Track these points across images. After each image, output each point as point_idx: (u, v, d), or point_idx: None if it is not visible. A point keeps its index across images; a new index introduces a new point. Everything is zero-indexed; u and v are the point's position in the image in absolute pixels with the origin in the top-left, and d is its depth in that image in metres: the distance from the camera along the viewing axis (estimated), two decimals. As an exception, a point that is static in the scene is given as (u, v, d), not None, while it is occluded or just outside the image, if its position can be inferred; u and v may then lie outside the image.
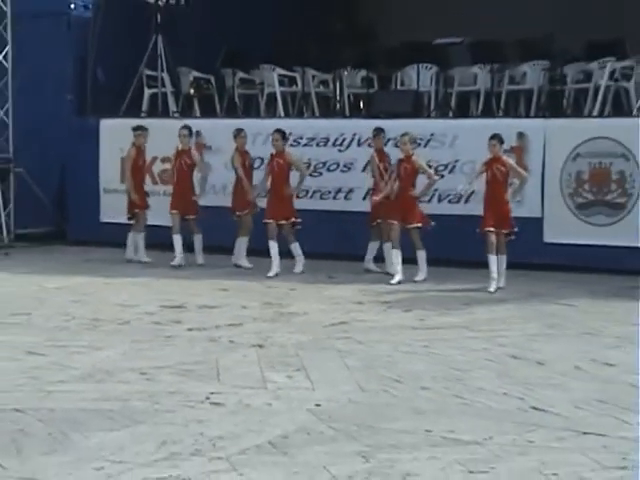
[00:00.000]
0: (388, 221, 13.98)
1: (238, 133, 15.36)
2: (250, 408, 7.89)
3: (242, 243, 15.22)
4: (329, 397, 8.18)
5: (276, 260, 14.47)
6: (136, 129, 16.07)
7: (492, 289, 13.05)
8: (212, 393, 8.27)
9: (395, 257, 13.82)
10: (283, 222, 14.56)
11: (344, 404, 8.02)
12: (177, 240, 15.24)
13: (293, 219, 14.60)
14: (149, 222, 16.09)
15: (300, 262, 14.66)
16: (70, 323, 11.26)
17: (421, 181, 14.12)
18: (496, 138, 13.34)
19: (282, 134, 14.82)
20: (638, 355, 9.38)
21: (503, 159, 13.38)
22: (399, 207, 13.90)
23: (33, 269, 14.63)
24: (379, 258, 14.66)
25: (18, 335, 10.62)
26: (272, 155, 14.80)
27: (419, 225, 13.87)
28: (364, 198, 15.48)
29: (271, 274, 14.29)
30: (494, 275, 13.11)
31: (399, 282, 13.63)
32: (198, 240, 15.39)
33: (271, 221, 14.56)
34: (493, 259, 13.16)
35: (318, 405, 7.94)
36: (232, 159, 15.38)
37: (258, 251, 15.11)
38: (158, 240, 15.97)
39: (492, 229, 13.18)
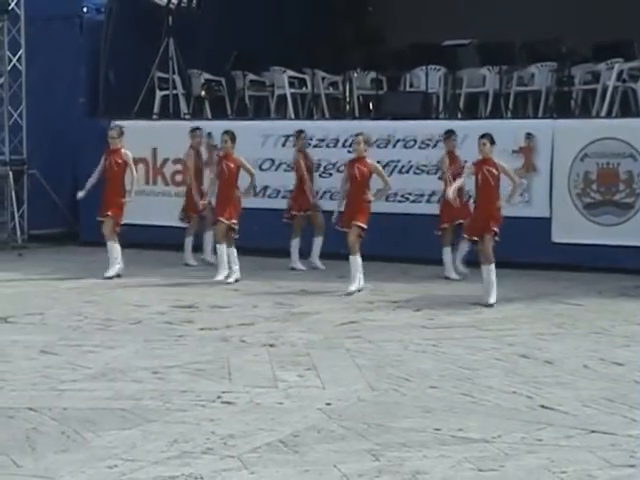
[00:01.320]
0: (343, 229, 13.12)
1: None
2: (261, 407, 7.89)
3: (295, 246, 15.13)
4: (339, 396, 8.18)
5: (223, 263, 13.82)
6: (192, 130, 15.85)
7: (492, 301, 12.11)
8: (223, 392, 8.28)
9: (355, 263, 13.01)
10: (222, 220, 13.79)
11: (354, 403, 8.02)
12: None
13: (234, 221, 13.77)
14: (163, 223, 16.11)
15: (235, 272, 13.83)
16: (83, 323, 11.28)
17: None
18: (486, 137, 12.29)
19: (232, 136, 14.07)
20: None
21: (494, 161, 12.23)
22: (350, 211, 13.11)
23: (46, 270, 14.65)
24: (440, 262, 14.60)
25: (32, 334, 10.65)
26: (220, 157, 14.19)
27: (362, 226, 12.95)
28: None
29: (220, 278, 13.75)
30: (493, 285, 12.14)
31: (359, 290, 12.97)
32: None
33: (224, 220, 13.80)
34: (492, 267, 12.15)
35: (328, 404, 7.95)
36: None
37: (270, 250, 15.16)
38: (174, 241, 16.00)
39: (477, 238, 12.26)
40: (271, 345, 10.08)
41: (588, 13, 18.07)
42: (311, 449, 6.83)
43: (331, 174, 16.05)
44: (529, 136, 15.11)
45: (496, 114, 16.61)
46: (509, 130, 14.87)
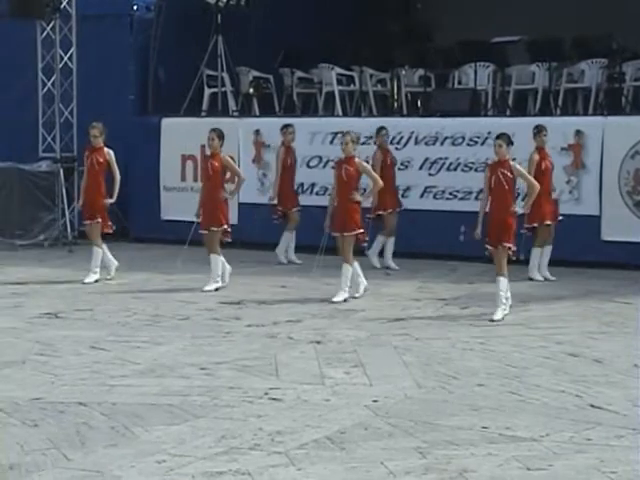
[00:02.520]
0: (332, 233, 12.60)
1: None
2: (308, 403, 7.91)
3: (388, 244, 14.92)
4: (386, 393, 8.19)
5: (218, 271, 13.18)
6: (283, 127, 15.56)
7: (497, 317, 11.16)
8: (271, 389, 8.31)
9: (345, 273, 12.38)
10: (214, 229, 13.11)
11: (401, 400, 8.02)
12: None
13: (225, 226, 13.20)
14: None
15: (216, 281, 13.18)
16: (132, 319, 11.36)
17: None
18: (502, 138, 11.50)
19: (219, 134, 13.27)
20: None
21: (510, 163, 11.44)
22: (339, 215, 12.46)
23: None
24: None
25: (82, 330, 10.74)
26: (206, 156, 13.55)
27: (357, 234, 12.36)
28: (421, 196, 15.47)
29: (210, 288, 13.04)
30: (502, 300, 11.29)
31: (345, 300, 12.29)
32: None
33: (206, 232, 13.18)
34: (500, 281, 11.31)
35: (375, 401, 7.95)
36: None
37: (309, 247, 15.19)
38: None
39: (490, 247, 11.34)
40: (318, 342, 10.10)
41: (639, 8, 17.90)
42: (358, 446, 6.84)
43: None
44: (578, 133, 15.03)
45: (545, 111, 16.53)
46: (558, 127, 14.79)
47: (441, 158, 15.83)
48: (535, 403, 7.94)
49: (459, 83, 17.59)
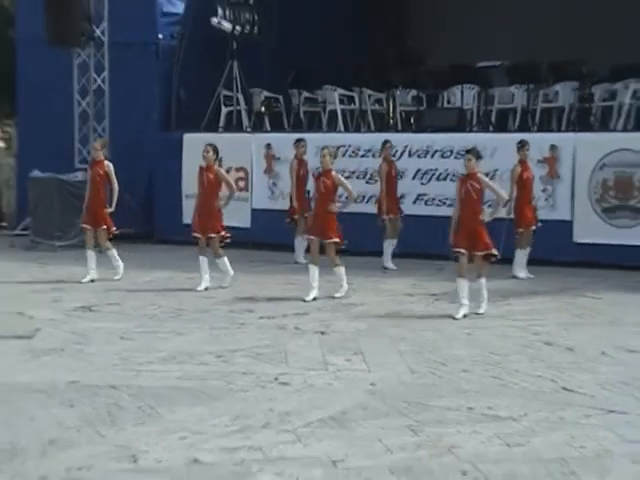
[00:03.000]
0: (307, 237, 12.50)
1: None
2: (313, 387, 7.91)
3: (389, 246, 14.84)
4: (383, 378, 8.19)
5: (206, 274, 12.88)
6: (296, 141, 15.43)
7: (458, 316, 10.80)
8: (280, 374, 8.30)
9: (313, 273, 12.08)
10: (212, 236, 12.84)
11: (396, 384, 8.02)
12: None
13: (223, 232, 12.94)
14: (226, 223, 16.15)
15: (228, 276, 13.04)
16: (157, 312, 11.36)
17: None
18: (472, 152, 11.12)
19: (214, 148, 12.97)
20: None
21: (478, 175, 11.02)
22: (318, 222, 12.24)
23: (125, 265, 14.73)
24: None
25: (113, 322, 10.74)
26: (202, 168, 13.04)
27: (336, 240, 12.14)
28: (414, 203, 15.47)
29: (200, 288, 12.77)
30: (463, 301, 10.90)
31: (314, 299, 11.98)
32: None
33: (200, 236, 12.89)
34: (461, 283, 10.94)
35: (373, 385, 7.95)
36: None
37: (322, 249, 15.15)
38: (235, 239, 16.03)
39: (462, 250, 10.92)
40: (322, 332, 10.10)
41: (607, 38, 17.95)
42: (358, 425, 6.84)
43: (376, 181, 16.04)
44: (553, 147, 15.06)
45: (524, 128, 16.54)
46: (535, 142, 14.77)
47: (431, 169, 15.86)
48: (514, 387, 7.94)
49: (448, 102, 17.60)
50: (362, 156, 16.53)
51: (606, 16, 18.67)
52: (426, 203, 15.65)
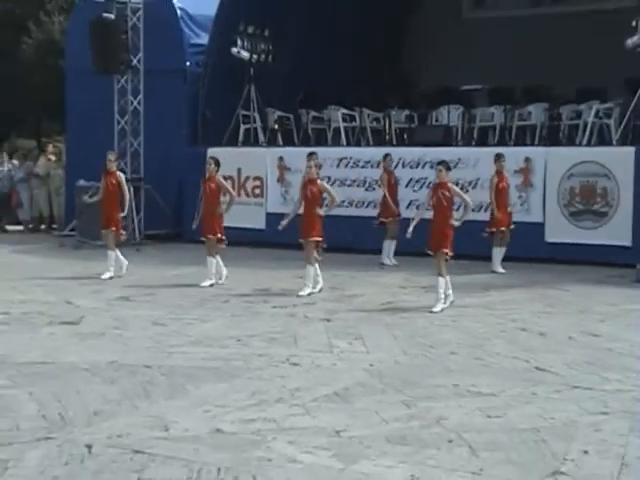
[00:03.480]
0: (300, 240, 11.91)
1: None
2: (320, 367, 7.92)
3: (389, 245, 14.61)
4: (380, 359, 8.19)
5: (212, 273, 12.60)
6: (309, 155, 14.69)
7: (436, 309, 10.52)
8: (291, 355, 8.31)
9: (310, 271, 11.79)
10: (210, 237, 12.58)
11: (391, 364, 8.03)
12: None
13: (219, 235, 12.59)
14: (244, 225, 16.18)
15: (210, 280, 12.55)
16: (184, 301, 11.36)
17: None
18: (442, 164, 10.95)
19: (216, 161, 12.77)
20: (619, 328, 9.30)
21: (448, 185, 10.80)
22: (305, 225, 11.86)
23: (157, 261, 14.78)
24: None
25: (146, 310, 10.76)
26: (205, 178, 12.81)
27: (318, 239, 11.79)
28: (407, 207, 15.44)
29: (206, 284, 12.45)
30: (440, 296, 10.65)
31: (309, 294, 11.66)
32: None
33: (205, 238, 12.67)
34: (439, 281, 10.70)
35: (372, 365, 7.96)
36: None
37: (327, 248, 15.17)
38: (251, 239, 16.07)
39: (431, 252, 10.78)
40: (328, 320, 10.10)
41: (573, 65, 17.94)
42: (358, 400, 6.85)
43: (374, 188, 16.04)
44: (527, 159, 15.06)
45: (502, 142, 16.53)
46: (511, 155, 14.79)
47: (422, 178, 15.82)
48: (494, 366, 7.94)
49: (436, 120, 17.58)
50: (362, 167, 16.53)
51: (572, 46, 18.66)
52: (417, 208, 15.57)
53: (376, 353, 8.46)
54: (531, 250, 14.54)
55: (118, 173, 13.81)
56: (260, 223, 17.08)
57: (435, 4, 21.39)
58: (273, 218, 16.59)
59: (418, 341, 8.98)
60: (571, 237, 14.54)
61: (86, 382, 7.37)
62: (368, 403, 6.75)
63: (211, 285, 12.46)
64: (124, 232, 13.78)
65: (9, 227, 21.52)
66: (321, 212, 11.96)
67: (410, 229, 10.78)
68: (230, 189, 13.12)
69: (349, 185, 16.57)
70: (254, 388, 7.16)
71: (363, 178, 16.39)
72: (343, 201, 16.34)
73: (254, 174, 17.38)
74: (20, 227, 21.64)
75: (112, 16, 17.82)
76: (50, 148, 23.23)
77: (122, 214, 13.71)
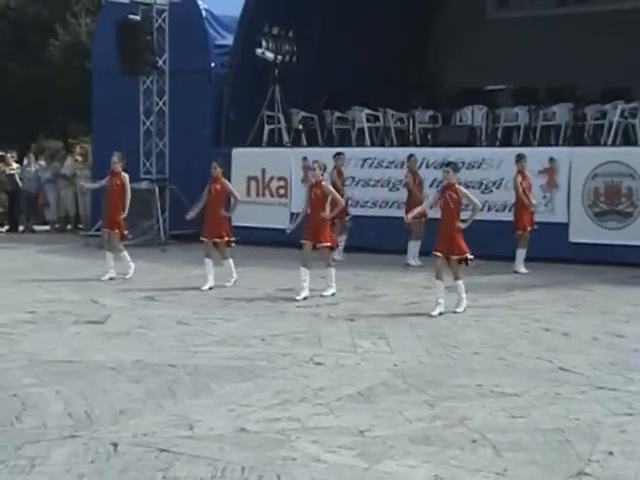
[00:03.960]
0: (301, 241, 11.65)
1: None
2: (344, 367, 7.92)
3: (413, 246, 14.49)
4: (403, 359, 8.18)
5: (211, 275, 12.40)
6: (335, 155, 15.21)
7: (434, 313, 10.23)
8: (315, 355, 8.32)
9: (304, 275, 11.48)
10: (217, 240, 12.51)
11: (415, 364, 8.01)
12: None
13: (227, 238, 12.50)
14: (268, 225, 16.19)
15: (232, 278, 12.53)
16: (209, 301, 11.39)
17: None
18: (450, 166, 10.78)
19: (219, 163, 12.66)
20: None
21: (456, 186, 10.55)
22: (311, 228, 11.61)
23: (182, 261, 14.83)
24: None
25: (171, 309, 10.80)
26: (210, 180, 12.68)
27: (329, 245, 11.63)
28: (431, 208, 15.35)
29: (205, 287, 12.24)
30: (439, 300, 10.35)
31: (305, 298, 11.35)
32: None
33: (206, 239, 12.56)
34: (437, 284, 10.47)
35: (395, 365, 7.95)
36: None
37: (351, 247, 15.18)
38: (274, 239, 16.08)
39: (439, 254, 10.46)
40: (351, 320, 10.10)
41: (597, 65, 17.82)
42: (382, 399, 6.85)
43: (398, 189, 16.01)
44: (551, 160, 14.99)
45: (526, 143, 16.47)
46: (536, 155, 14.75)
47: (446, 179, 15.77)
48: (518, 367, 7.91)
49: (460, 121, 17.53)
50: (386, 167, 16.50)
51: (597, 46, 18.54)
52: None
53: (400, 353, 8.45)
54: (555, 250, 14.47)
55: (123, 174, 13.52)
56: (284, 223, 17.07)
57: (460, 4, 21.33)
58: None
59: (441, 341, 8.96)
60: (595, 237, 14.46)
61: (112, 381, 7.41)
62: (392, 403, 6.74)
63: (210, 288, 12.18)
64: (127, 233, 13.45)
65: (36, 227, 21.68)
66: (327, 216, 11.66)
67: (410, 215, 11.32)
68: (234, 191, 12.81)
69: (373, 185, 16.56)
70: (278, 387, 7.17)
71: (387, 178, 16.36)
72: (367, 201, 16.39)
73: (278, 174, 17.40)
74: (47, 227, 21.82)
75: (138, 18, 17.92)
76: (77, 149, 23.39)
77: (123, 215, 13.39)
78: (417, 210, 11.34)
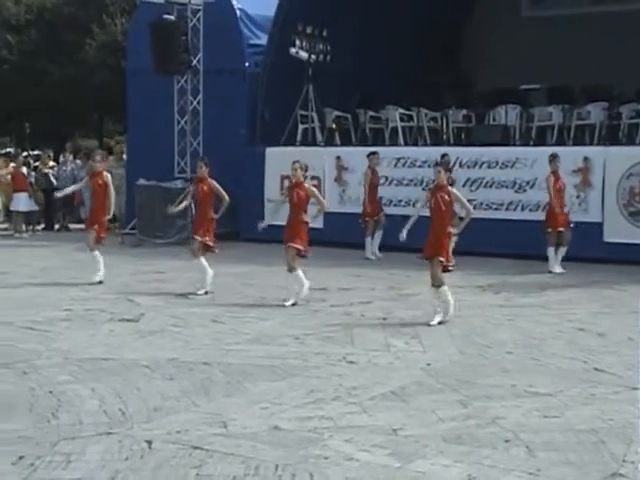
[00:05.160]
0: (284, 245, 11.10)
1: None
2: (377, 366, 7.92)
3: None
4: (436, 358, 8.16)
5: (207, 276, 11.99)
6: (370, 154, 15.40)
7: (434, 322, 9.70)
8: (348, 354, 8.33)
9: (294, 279, 10.98)
10: (197, 238, 12.09)
11: (448, 364, 7.99)
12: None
13: (207, 239, 12.04)
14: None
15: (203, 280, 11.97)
16: (242, 300, 11.43)
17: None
18: (442, 165, 10.26)
19: (205, 163, 12.25)
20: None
21: (448, 188, 9.89)
22: (289, 230, 11.06)
23: (214, 260, 14.82)
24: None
25: (205, 308, 10.85)
26: (196, 181, 12.38)
27: (298, 247, 10.94)
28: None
29: (201, 292, 11.84)
30: (437, 309, 9.86)
31: (294, 304, 10.83)
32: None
33: (198, 238, 12.08)
34: (439, 290, 9.91)
35: (428, 364, 7.94)
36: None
37: (393, 247, 15.15)
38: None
39: (428, 259, 9.90)
40: (384, 319, 10.10)
41: (633, 64, 17.65)
42: (415, 398, 6.84)
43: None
44: (586, 159, 14.87)
45: (560, 142, 16.34)
46: (570, 155, 14.63)
47: (479, 178, 15.73)
48: (551, 367, 7.87)
49: (493, 120, 17.42)
50: (419, 166, 16.46)
51: (632, 45, 18.36)
52: (475, 207, 15.45)
53: (432, 352, 8.43)
54: (589, 250, 14.34)
55: (105, 173, 13.10)
56: (317, 222, 17.02)
57: (494, 2, 21.23)
58: (331, 217, 16.60)
59: (474, 340, 8.93)
60: (630, 237, 14.32)
61: (146, 378, 7.46)
62: (424, 402, 6.73)
63: (206, 293, 11.81)
64: (104, 236, 12.97)
65: (72, 225, 21.86)
66: (306, 218, 11.12)
67: (404, 232, 9.96)
68: (223, 192, 12.19)
69: (406, 185, 16.52)
70: (311, 386, 7.18)
71: (420, 178, 16.31)
72: (400, 200, 16.34)
73: (312, 173, 17.33)
74: (82, 225, 21.96)
75: (172, 17, 18.00)
76: (116, 148, 23.54)
77: (107, 216, 13.04)
78: (409, 224, 9.98)
